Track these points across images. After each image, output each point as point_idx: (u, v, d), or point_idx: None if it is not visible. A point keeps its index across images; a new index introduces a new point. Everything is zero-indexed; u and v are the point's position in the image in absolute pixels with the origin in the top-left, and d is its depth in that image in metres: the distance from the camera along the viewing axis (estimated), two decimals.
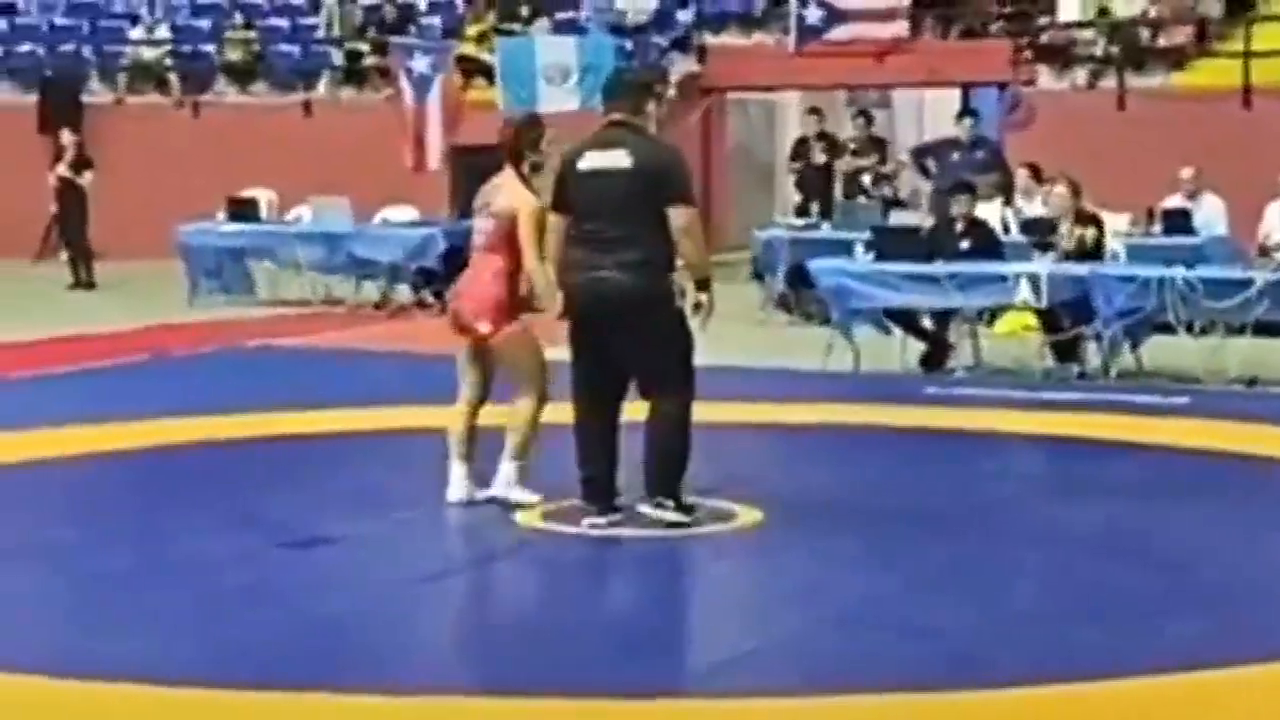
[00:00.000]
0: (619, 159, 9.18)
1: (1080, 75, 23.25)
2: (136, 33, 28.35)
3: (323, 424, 12.25)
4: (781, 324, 18.19)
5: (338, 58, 27.22)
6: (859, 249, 16.09)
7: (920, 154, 20.83)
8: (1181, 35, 23.12)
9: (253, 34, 27.73)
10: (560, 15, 25.81)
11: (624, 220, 9.12)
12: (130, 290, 21.76)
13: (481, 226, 9.68)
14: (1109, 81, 22.91)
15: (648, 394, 9.27)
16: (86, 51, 28.13)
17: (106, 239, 22.81)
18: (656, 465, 9.25)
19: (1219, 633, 7.57)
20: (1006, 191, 18.58)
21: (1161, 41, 23.18)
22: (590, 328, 9.24)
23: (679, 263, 9.22)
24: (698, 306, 9.30)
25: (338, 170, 22.31)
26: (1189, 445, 11.70)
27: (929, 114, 26.95)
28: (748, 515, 9.54)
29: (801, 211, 21.12)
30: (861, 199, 20.87)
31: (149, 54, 27.93)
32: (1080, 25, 23.78)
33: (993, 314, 15.46)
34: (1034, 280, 14.32)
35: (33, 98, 27.03)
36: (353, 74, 26.79)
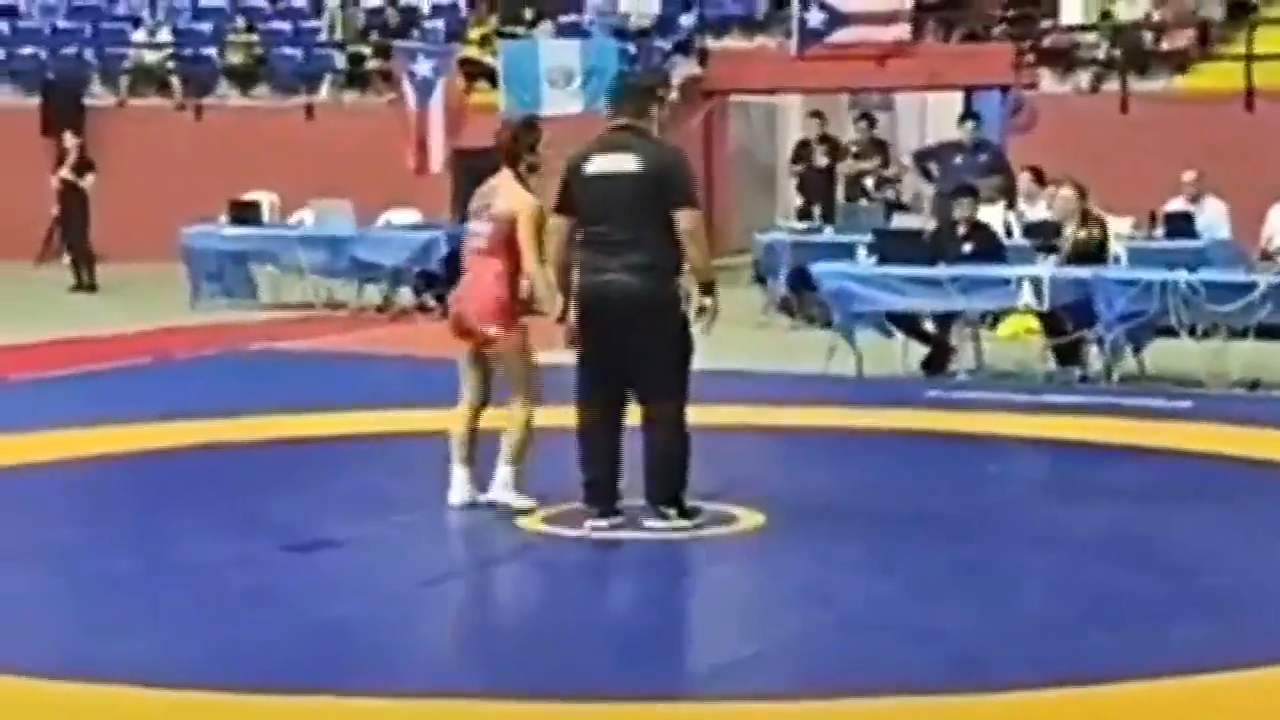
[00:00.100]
0: (625, 162, 9.19)
1: (1083, 78, 23.25)
2: (138, 36, 28.35)
3: (325, 427, 12.25)
4: (783, 327, 18.19)
5: (340, 61, 27.22)
6: (861, 252, 16.08)
7: (922, 157, 20.81)
8: (1184, 38, 23.12)
9: (255, 37, 27.74)
10: (563, 19, 25.81)
11: (630, 223, 9.13)
12: (132, 293, 21.75)
13: (480, 229, 9.64)
14: (1111, 85, 22.91)
15: (645, 398, 9.27)
16: (89, 54, 28.13)
17: (108, 242, 22.81)
18: (657, 472, 9.26)
19: (1223, 636, 7.56)
20: (1009, 195, 18.56)
21: (1164, 45, 23.18)
22: (596, 330, 9.25)
23: (685, 266, 9.23)
24: (702, 310, 9.31)
25: (340, 173, 22.31)
26: (1191, 449, 11.70)
27: (931, 117, 26.94)
28: (750, 519, 9.54)
29: (803, 215, 21.11)
30: (863, 202, 20.85)
31: (151, 57, 27.93)
32: (1083, 28, 23.78)
33: (995, 317, 15.45)
34: (1036, 283, 14.32)
35: (35, 100, 27.03)
36: (355, 77, 26.79)
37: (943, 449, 11.99)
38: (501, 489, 9.61)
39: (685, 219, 9.13)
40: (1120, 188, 17.08)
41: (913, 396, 13.83)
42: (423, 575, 8.65)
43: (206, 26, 28.19)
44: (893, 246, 15.52)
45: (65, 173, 22.72)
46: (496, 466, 9.60)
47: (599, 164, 9.27)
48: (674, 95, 21.87)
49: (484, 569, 9.18)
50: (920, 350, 15.19)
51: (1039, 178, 18.08)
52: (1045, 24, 24.09)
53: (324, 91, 26.85)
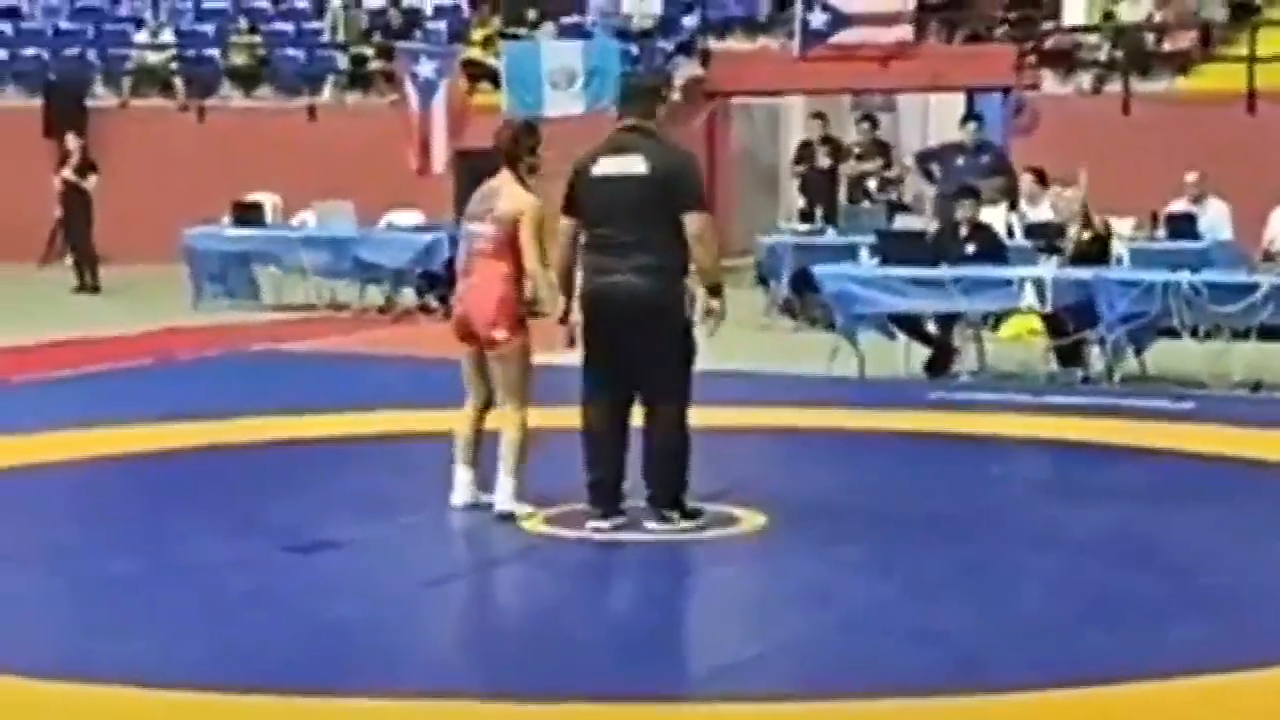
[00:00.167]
0: (634, 165, 9.19)
1: (1085, 80, 23.25)
2: (141, 37, 28.36)
3: (327, 428, 12.26)
4: (786, 329, 18.19)
5: (343, 62, 27.22)
6: (863, 253, 16.09)
7: (925, 158, 20.79)
8: (1186, 40, 23.11)
9: (257, 38, 27.74)
10: (566, 20, 25.82)
11: (638, 225, 9.13)
12: (135, 294, 21.77)
13: (483, 231, 9.57)
14: (1114, 86, 22.91)
15: (648, 400, 9.28)
16: (91, 55, 28.14)
17: (111, 243, 22.82)
18: (659, 474, 9.28)
19: (1224, 637, 7.57)
20: (1011, 196, 18.56)
21: (1166, 46, 23.18)
22: (602, 332, 9.25)
23: (690, 268, 9.24)
24: (710, 312, 9.31)
25: (342, 175, 22.32)
26: (1193, 450, 11.69)
27: (933, 118, 26.92)
28: (752, 520, 9.54)
29: (806, 216, 21.10)
30: (865, 204, 20.84)
31: (154, 58, 27.95)
32: (1085, 30, 23.77)
33: (997, 318, 15.45)
34: (1038, 285, 14.33)
35: (37, 102, 27.02)
36: (358, 78, 26.79)
37: (945, 450, 12.00)
38: (506, 501, 9.56)
39: (694, 222, 9.14)
40: (1122, 189, 17.08)
41: (915, 398, 13.84)
42: (424, 576, 8.65)
43: (209, 27, 28.19)
44: (895, 248, 15.52)
45: (68, 174, 22.74)
46: (498, 476, 9.58)
47: (607, 166, 9.28)
48: (676, 96, 21.85)
49: (486, 570, 9.18)
50: (922, 351, 15.19)
51: (1041, 179, 18.08)
52: (1047, 25, 24.09)
53: (326, 93, 26.86)
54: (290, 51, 27.47)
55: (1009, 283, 14.49)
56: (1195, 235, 17.21)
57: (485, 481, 9.66)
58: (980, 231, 15.35)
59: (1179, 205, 17.85)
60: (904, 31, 23.91)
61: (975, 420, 12.79)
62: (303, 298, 20.36)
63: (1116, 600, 8.20)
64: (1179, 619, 7.89)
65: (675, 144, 9.69)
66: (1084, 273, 14.43)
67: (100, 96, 27.45)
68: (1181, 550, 9.19)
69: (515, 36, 25.00)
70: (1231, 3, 23.21)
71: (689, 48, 25.44)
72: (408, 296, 20.01)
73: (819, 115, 22.63)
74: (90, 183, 22.62)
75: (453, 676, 7.29)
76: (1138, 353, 14.48)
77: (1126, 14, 23.59)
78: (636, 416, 9.37)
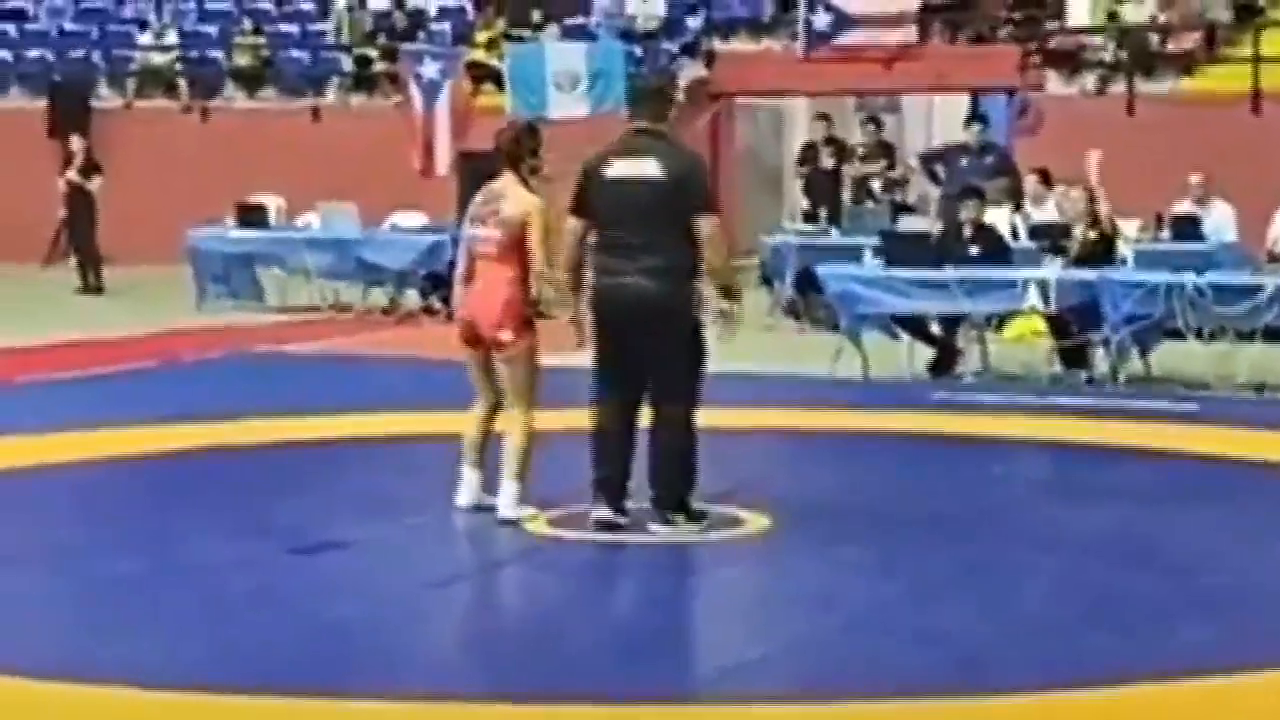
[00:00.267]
0: (648, 167, 9.20)
1: (1089, 81, 23.24)
2: (145, 38, 28.38)
3: (331, 429, 12.26)
4: (789, 330, 18.19)
5: (347, 64, 27.23)
6: (867, 254, 16.09)
7: (929, 159, 20.80)
8: (1190, 41, 23.10)
9: (262, 39, 27.75)
10: (570, 21, 25.81)
11: (649, 228, 9.14)
12: (139, 295, 21.78)
13: (488, 234, 9.49)
14: (1118, 87, 22.90)
15: (657, 400, 9.28)
16: (95, 57, 28.16)
17: (115, 244, 22.84)
18: (665, 477, 9.28)
19: (1228, 638, 7.56)
20: (1016, 197, 18.56)
21: (1170, 47, 23.17)
22: (612, 333, 9.26)
23: (701, 270, 9.24)
24: (724, 314, 9.33)
25: (346, 176, 22.33)
26: (1198, 451, 11.69)
27: (938, 119, 26.90)
28: (756, 521, 9.54)
29: (809, 217, 21.11)
30: (869, 204, 20.86)
31: (158, 59, 27.96)
32: (1089, 31, 23.77)
33: (1001, 319, 15.45)
34: (1042, 286, 14.33)
35: (42, 103, 27.03)
36: (362, 80, 26.80)
37: (949, 451, 12.00)
38: (509, 508, 9.52)
39: (706, 225, 9.15)
40: (1127, 190, 17.07)
41: (919, 399, 13.83)
42: (428, 578, 8.65)
43: (213, 29, 28.20)
44: (899, 249, 15.52)
45: (72, 175, 22.76)
46: (501, 480, 9.56)
47: (620, 168, 9.28)
48: (680, 97, 21.85)
49: (490, 571, 9.18)
50: (926, 353, 15.19)
51: (1046, 180, 18.08)
52: (1051, 26, 24.09)
53: (331, 94, 26.87)
54: (294, 53, 27.48)
55: (1013, 284, 14.48)
56: (1200, 236, 17.22)
57: (491, 483, 9.66)
58: (984, 232, 15.35)
59: (1183, 206, 17.86)
60: (908, 32, 23.89)
61: (979, 421, 12.78)
62: (306, 299, 20.36)
63: (1120, 601, 8.20)
64: (1182, 620, 7.88)
65: (685, 146, 9.70)
66: (1088, 274, 14.43)
67: (104, 98, 27.47)
68: (1185, 551, 9.19)
69: (519, 38, 25.01)
70: (1236, 3, 23.21)
71: (693, 49, 25.44)
72: (411, 298, 20.02)
73: (823, 116, 22.64)
74: (94, 184, 22.64)
75: (456, 677, 7.29)
76: (1142, 354, 14.48)
77: (1131, 15, 23.58)
78: (645, 418, 9.38)
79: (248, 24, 27.98)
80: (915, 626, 7.78)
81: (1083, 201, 15.01)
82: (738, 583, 8.88)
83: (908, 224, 18.44)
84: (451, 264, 18.42)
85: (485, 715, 6.78)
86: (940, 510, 10.05)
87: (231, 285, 20.66)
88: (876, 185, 21.38)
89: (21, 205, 24.63)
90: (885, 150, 22.01)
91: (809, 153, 22.08)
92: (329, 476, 10.96)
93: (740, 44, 25.79)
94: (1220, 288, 13.98)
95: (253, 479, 10.98)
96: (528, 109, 19.80)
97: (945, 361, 15.08)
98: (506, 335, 9.45)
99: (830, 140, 21.88)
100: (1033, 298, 14.37)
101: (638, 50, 24.36)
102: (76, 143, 23.09)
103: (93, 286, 22.49)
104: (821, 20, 23.73)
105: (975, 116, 20.90)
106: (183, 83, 27.47)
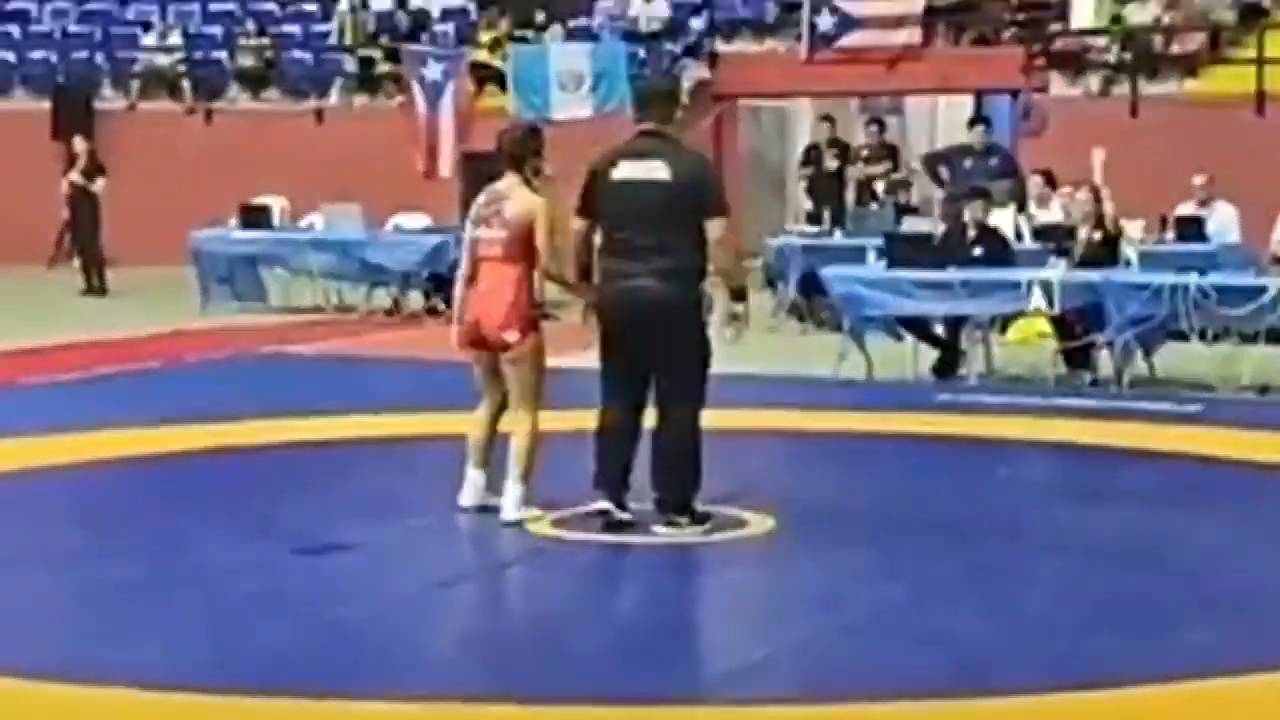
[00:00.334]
0: (656, 170, 9.19)
1: (1093, 82, 23.23)
2: (149, 39, 28.39)
3: (335, 431, 12.25)
4: (794, 331, 18.18)
5: (350, 65, 27.24)
6: (871, 256, 16.08)
7: (933, 161, 20.79)
8: (1194, 42, 23.10)
9: (265, 41, 27.76)
10: (573, 22, 25.82)
11: (657, 230, 9.13)
12: (142, 296, 21.78)
13: (493, 236, 9.48)
14: (1122, 88, 22.89)
15: (662, 402, 9.28)
16: (99, 58, 28.18)
17: (119, 245, 22.85)
18: (668, 478, 9.28)
19: (1233, 641, 7.55)
20: (1020, 198, 18.56)
21: (1174, 48, 23.16)
22: (620, 335, 9.25)
23: (710, 269, 9.24)
24: (735, 317, 9.32)
25: (350, 177, 22.32)
26: (1201, 453, 11.68)
27: (941, 121, 26.92)
28: (760, 523, 9.53)
29: (813, 219, 21.10)
30: (873, 206, 20.84)
31: (161, 61, 27.98)
32: (1093, 32, 23.76)
33: (1005, 321, 15.44)
34: (1046, 287, 14.31)
35: (45, 104, 27.07)
36: (365, 81, 26.81)
37: (953, 453, 11.99)
38: (513, 510, 9.51)
39: (716, 227, 9.15)
40: (1130, 191, 17.07)
41: (923, 400, 13.83)
42: (433, 578, 8.65)
43: (217, 30, 28.23)
44: (902, 250, 15.51)
45: (75, 176, 22.77)
46: (506, 483, 9.56)
47: (628, 170, 9.27)
48: (685, 99, 21.86)
49: (494, 572, 9.18)
50: (930, 354, 15.18)
51: (1050, 181, 18.07)
52: (1055, 27, 24.08)
53: (334, 95, 26.88)
54: (298, 54, 27.50)
55: (1017, 285, 14.47)
56: (1204, 238, 17.20)
57: (495, 484, 9.65)
58: (987, 233, 15.35)
59: (1187, 208, 17.85)
60: (912, 34, 23.89)
61: (983, 423, 12.77)
62: (310, 300, 20.38)
63: (1125, 603, 8.19)
64: (1188, 622, 7.87)
65: (692, 148, 9.69)
66: (1092, 275, 14.42)
67: (108, 99, 27.50)
68: (1190, 553, 9.18)
69: (523, 39, 25.03)
70: (1240, 5, 23.20)
71: (696, 50, 25.44)
72: (415, 299, 20.02)
73: (827, 118, 22.65)
74: (98, 185, 22.65)
75: (460, 678, 7.28)
76: (1146, 355, 14.47)
77: (1134, 16, 23.57)
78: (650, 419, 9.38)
79: (251, 25, 27.99)
80: (919, 628, 7.77)
81: (1089, 202, 15.00)
82: (741, 584, 8.87)
83: (911, 225, 18.43)
84: (454, 265, 18.52)
85: (489, 716, 6.77)
86: (944, 512, 10.03)
87: (235, 286, 20.67)
88: (880, 187, 21.38)
89: (25, 207, 24.65)
90: (889, 152, 22.01)
91: (812, 154, 22.08)
92: (333, 477, 10.96)
93: (744, 45, 25.80)
94: (1224, 289, 13.96)
95: (256, 480, 10.99)
96: (531, 110, 19.83)
97: (949, 363, 15.07)
98: (512, 336, 9.44)
99: (834, 142, 21.87)
100: (1037, 299, 14.36)
101: (641, 51, 24.37)
102: (80, 144, 23.10)
103: (97, 288, 22.50)
104: (825, 22, 23.75)
105: (979, 118, 20.89)
106: (186, 84, 27.49)
